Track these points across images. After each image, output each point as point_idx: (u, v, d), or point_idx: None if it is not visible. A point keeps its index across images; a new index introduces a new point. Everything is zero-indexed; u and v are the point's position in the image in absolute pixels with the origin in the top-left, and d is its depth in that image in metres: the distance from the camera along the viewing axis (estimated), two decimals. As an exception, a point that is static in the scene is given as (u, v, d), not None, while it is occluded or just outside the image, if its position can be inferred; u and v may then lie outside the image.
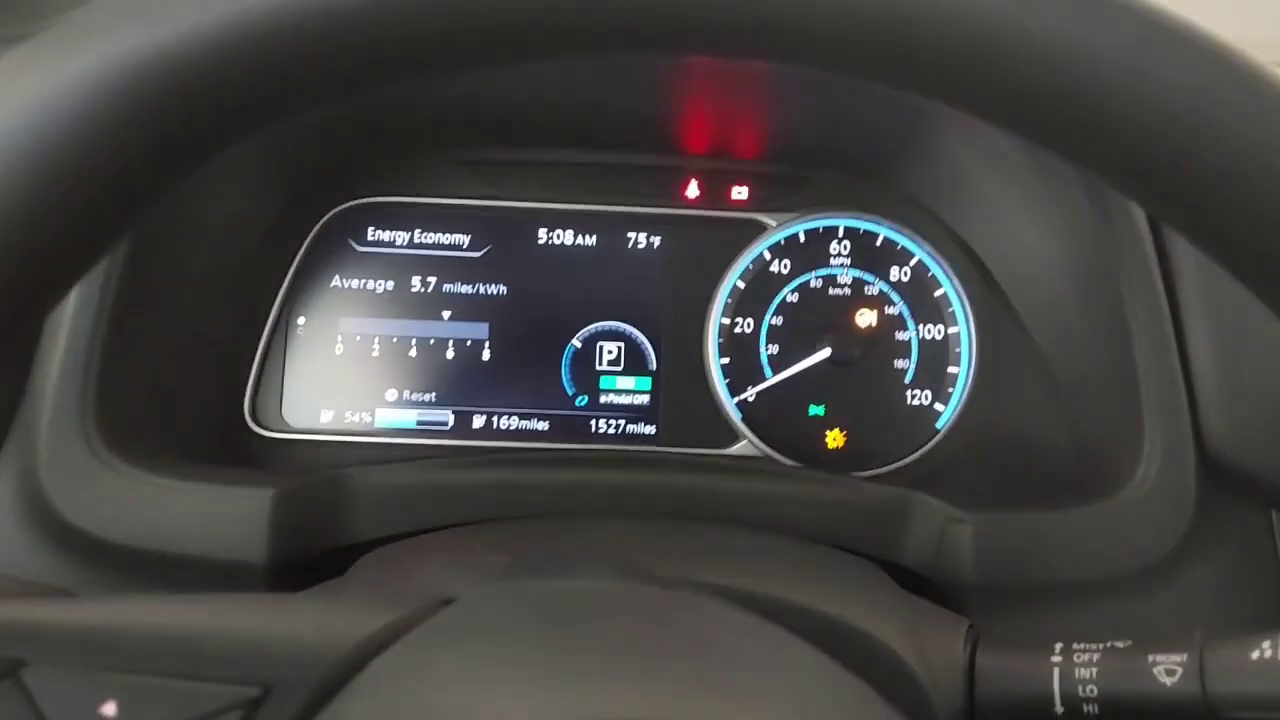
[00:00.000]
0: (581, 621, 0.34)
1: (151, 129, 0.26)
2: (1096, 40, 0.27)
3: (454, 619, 0.33)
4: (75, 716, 0.27)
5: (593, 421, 0.79)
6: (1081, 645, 0.46)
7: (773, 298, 0.80)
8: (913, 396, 0.79)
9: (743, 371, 0.80)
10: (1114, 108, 0.27)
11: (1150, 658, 0.44)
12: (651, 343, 0.80)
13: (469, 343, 0.79)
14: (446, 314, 0.79)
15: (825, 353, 0.79)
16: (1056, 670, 0.46)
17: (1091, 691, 0.45)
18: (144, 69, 0.25)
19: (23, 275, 0.26)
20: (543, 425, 0.79)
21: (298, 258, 0.78)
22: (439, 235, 0.80)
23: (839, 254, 0.81)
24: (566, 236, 0.81)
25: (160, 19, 0.26)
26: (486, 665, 0.31)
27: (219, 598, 0.34)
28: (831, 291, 0.81)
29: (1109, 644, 0.46)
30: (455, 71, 0.27)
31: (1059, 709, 0.45)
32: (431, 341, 0.79)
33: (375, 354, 0.78)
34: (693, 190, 0.82)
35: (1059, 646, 0.47)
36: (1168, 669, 0.44)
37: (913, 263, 0.81)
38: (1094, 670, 0.45)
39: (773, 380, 0.79)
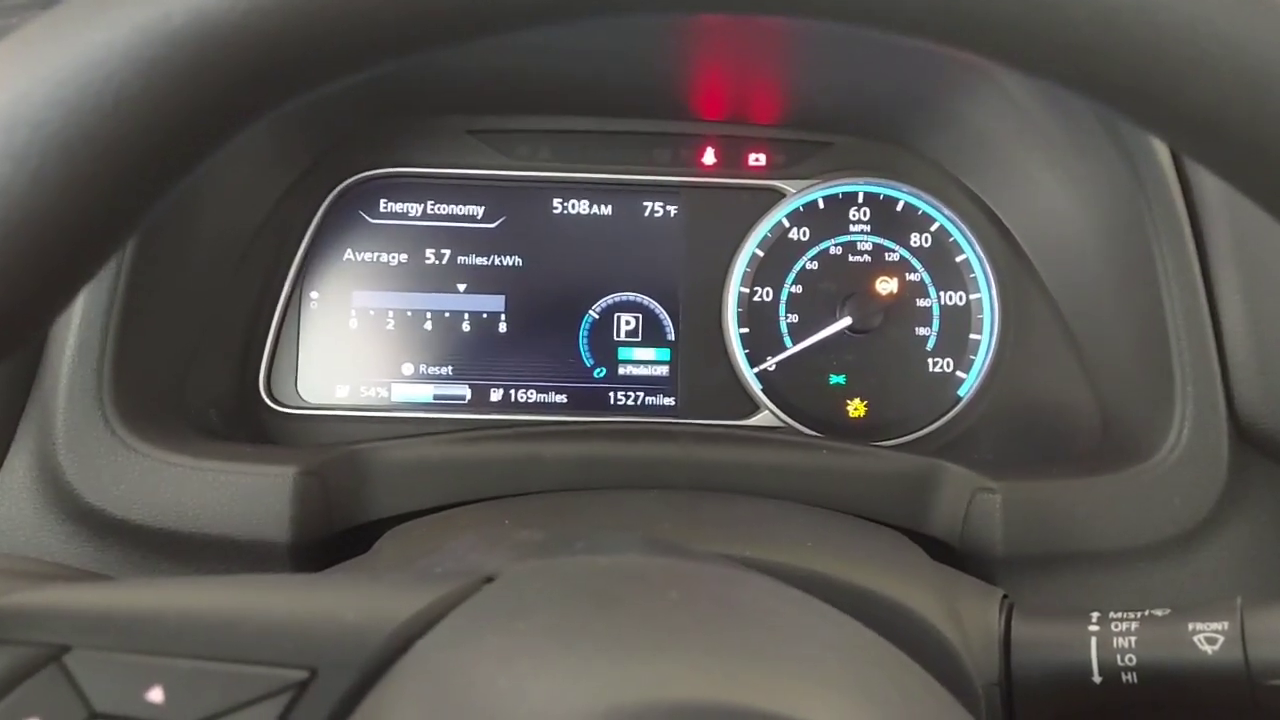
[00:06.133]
0: (626, 597, 0.33)
1: (187, 96, 0.25)
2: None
3: (497, 596, 0.33)
4: (121, 702, 0.27)
5: (611, 393, 0.78)
6: (1119, 614, 0.46)
7: (792, 266, 0.79)
8: (935, 364, 0.79)
9: (762, 341, 0.79)
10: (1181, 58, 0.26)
11: (1190, 625, 0.44)
12: (670, 313, 0.79)
13: (485, 315, 0.78)
14: (462, 286, 0.78)
15: (846, 321, 0.78)
16: (1094, 639, 0.45)
17: (1130, 660, 0.44)
18: (178, 33, 0.24)
19: (48, 260, 0.25)
20: (561, 398, 0.78)
21: (310, 231, 0.77)
22: (453, 206, 0.79)
23: (859, 220, 0.80)
24: (582, 206, 0.80)
25: None
26: (533, 642, 0.30)
27: (258, 579, 0.33)
28: (851, 259, 0.80)
29: (1147, 612, 0.45)
30: (520, 29, 0.26)
31: (1097, 678, 0.45)
32: (447, 314, 0.78)
33: (390, 327, 0.77)
34: (709, 157, 0.80)
35: (1096, 615, 0.46)
36: (1208, 637, 0.44)
37: (934, 228, 0.80)
38: (1132, 639, 0.45)
39: (793, 350, 0.79)
